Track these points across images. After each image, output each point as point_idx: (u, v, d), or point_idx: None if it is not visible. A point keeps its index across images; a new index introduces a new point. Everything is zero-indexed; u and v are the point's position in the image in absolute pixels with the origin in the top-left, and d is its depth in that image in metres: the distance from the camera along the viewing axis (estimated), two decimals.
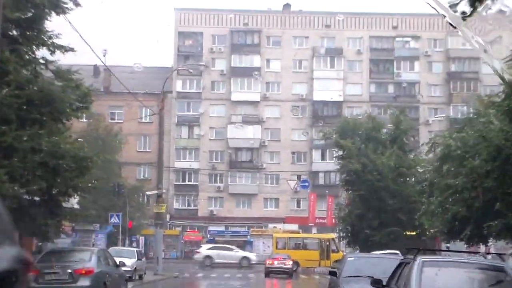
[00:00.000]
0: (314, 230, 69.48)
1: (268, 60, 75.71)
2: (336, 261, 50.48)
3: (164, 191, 41.22)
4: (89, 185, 26.15)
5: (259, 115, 74.60)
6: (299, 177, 73.32)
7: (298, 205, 74.31)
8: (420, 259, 9.61)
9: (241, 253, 57.68)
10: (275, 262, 43.53)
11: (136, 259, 31.94)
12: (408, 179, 39.81)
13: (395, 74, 75.68)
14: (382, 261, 15.56)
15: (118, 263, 21.58)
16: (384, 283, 10.94)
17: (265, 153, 74.50)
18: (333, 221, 70.20)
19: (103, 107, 70.61)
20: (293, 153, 74.87)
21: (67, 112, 23.28)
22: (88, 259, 19.15)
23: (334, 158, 39.78)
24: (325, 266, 50.74)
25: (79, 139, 29.71)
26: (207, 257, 55.90)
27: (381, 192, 36.44)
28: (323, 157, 74.33)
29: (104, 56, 59.59)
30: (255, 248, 67.51)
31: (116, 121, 71.45)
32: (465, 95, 70.08)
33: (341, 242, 53.80)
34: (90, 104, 24.85)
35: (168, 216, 73.01)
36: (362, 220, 37.95)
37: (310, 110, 75.35)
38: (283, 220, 71.67)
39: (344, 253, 55.73)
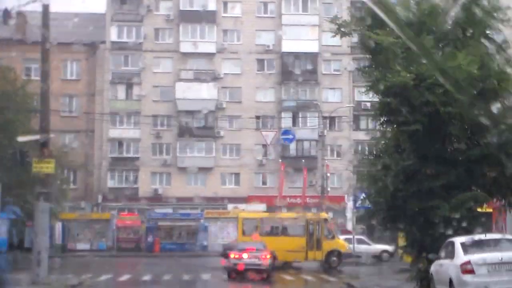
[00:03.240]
0: (284, 211, 56.12)
1: (225, 3, 62.94)
2: (331, 252, 36.53)
3: (53, 135, 26.41)
4: None
5: (215, 70, 61.76)
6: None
7: (264, 182, 61.21)
8: None
9: None
10: (245, 256, 28.80)
11: None
12: (505, 101, 19.43)
13: None
14: None
15: None
16: None
17: (222, 117, 61.12)
18: (307, 200, 57.15)
19: (16, 60, 56.33)
20: (257, 117, 61.72)
21: None
22: None
23: (362, 79, 20.51)
24: (315, 259, 36.75)
25: None
26: None
27: (449, 127, 18.27)
28: (294, 122, 61.21)
29: None
30: (211, 235, 54.76)
31: (33, 78, 56.56)
32: None
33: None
34: None
35: (100, 197, 59.06)
36: (411, 180, 19.43)
37: (278, 64, 62.29)
38: (245, 200, 58.56)
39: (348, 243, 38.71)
